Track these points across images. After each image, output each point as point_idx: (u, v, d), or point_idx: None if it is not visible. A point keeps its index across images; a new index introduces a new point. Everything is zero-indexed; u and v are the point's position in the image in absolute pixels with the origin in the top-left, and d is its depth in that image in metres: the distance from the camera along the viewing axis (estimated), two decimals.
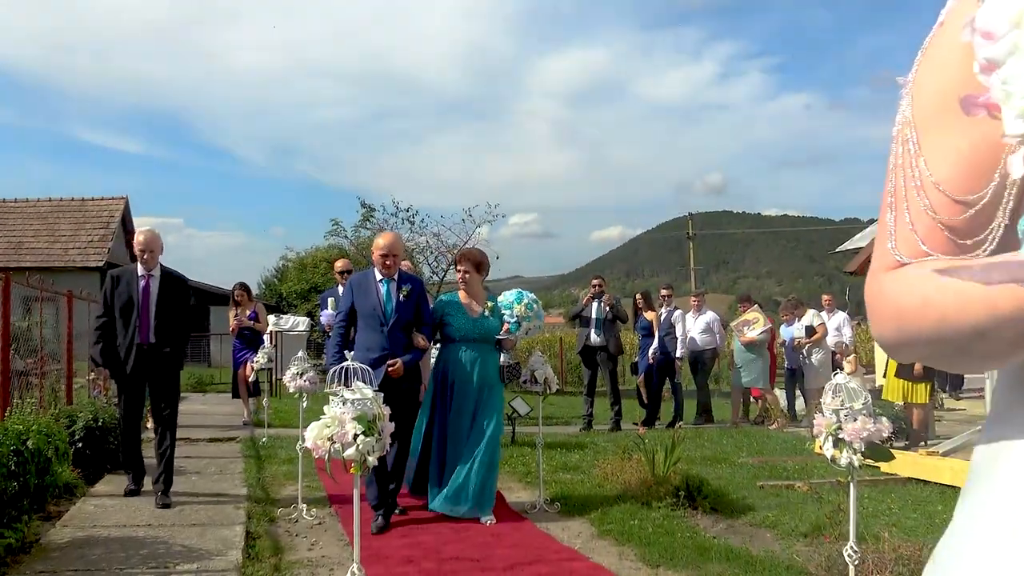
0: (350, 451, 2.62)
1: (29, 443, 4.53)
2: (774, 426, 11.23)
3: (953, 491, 6.62)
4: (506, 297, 6.09)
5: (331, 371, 3.12)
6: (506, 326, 5.91)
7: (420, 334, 5.67)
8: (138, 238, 6.22)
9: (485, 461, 5.72)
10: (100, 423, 6.89)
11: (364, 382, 2.76)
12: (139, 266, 6.16)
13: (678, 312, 11.80)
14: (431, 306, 6.06)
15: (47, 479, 4.73)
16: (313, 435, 2.64)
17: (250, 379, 10.47)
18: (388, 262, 5.63)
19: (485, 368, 5.84)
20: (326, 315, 7.81)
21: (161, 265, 6.23)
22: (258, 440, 9.29)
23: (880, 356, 11.13)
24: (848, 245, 13.05)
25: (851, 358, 11.83)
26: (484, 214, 24.11)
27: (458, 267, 6.00)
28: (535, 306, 6.17)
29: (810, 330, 11.46)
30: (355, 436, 2.60)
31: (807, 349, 11.45)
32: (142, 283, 6.10)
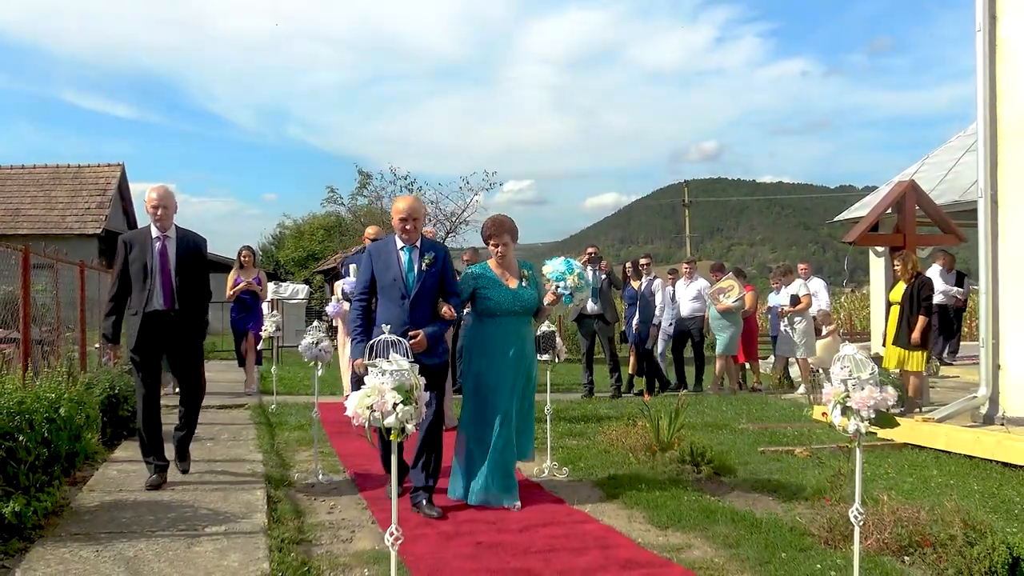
0: (390, 419, 2.77)
1: (61, 411, 4.67)
2: (730, 390, 11.67)
3: (947, 456, 6.84)
4: (555, 267, 5.66)
5: (362, 344, 3.25)
6: (550, 295, 5.63)
7: (447, 303, 5.15)
8: (150, 195, 5.61)
9: (525, 440, 5.57)
10: (116, 391, 7.04)
11: (399, 354, 2.90)
12: (152, 227, 5.64)
13: (658, 281, 12.04)
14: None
15: (77, 446, 4.88)
16: (354, 404, 2.79)
17: (258, 347, 10.62)
18: (408, 227, 5.11)
19: (523, 341, 5.47)
20: (348, 283, 7.40)
21: (176, 226, 5.71)
22: (267, 407, 9.46)
23: (877, 324, 11.33)
24: (846, 215, 13.17)
25: (831, 326, 12.04)
26: (481, 182, 24.22)
27: (492, 240, 5.48)
28: (585, 275, 5.90)
29: (795, 299, 11.66)
30: (394, 405, 2.75)
31: (789, 317, 11.69)
32: (157, 245, 5.59)
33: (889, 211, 9.82)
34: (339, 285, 8.29)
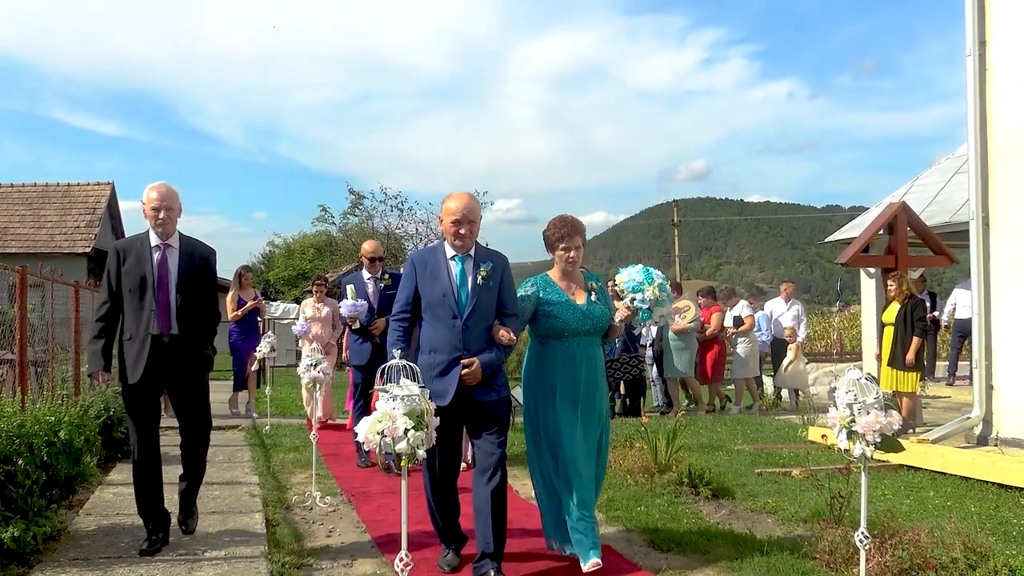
0: (401, 444, 2.77)
1: (61, 434, 4.65)
2: (703, 412, 11.66)
3: (943, 477, 6.87)
4: (630, 276, 4.71)
5: (379, 368, 3.23)
6: (623, 310, 4.67)
7: (503, 326, 4.29)
8: (149, 194, 4.65)
9: (602, 481, 4.74)
10: (112, 412, 7.00)
11: (410, 378, 2.91)
12: (152, 234, 4.68)
13: None
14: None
15: (76, 469, 4.85)
16: (365, 430, 2.79)
17: (253, 368, 10.58)
18: (463, 231, 4.19)
19: (594, 366, 4.54)
20: (347, 306, 7.03)
21: (180, 233, 4.79)
22: (260, 428, 9.42)
23: (868, 344, 11.41)
24: (837, 235, 13.26)
25: (793, 345, 12.08)
26: None
27: (561, 244, 4.51)
28: (667, 286, 4.82)
29: (738, 320, 11.74)
30: (405, 431, 2.76)
31: (732, 339, 11.80)
32: (157, 256, 4.64)
33: (881, 232, 9.90)
34: (339, 309, 7.96)
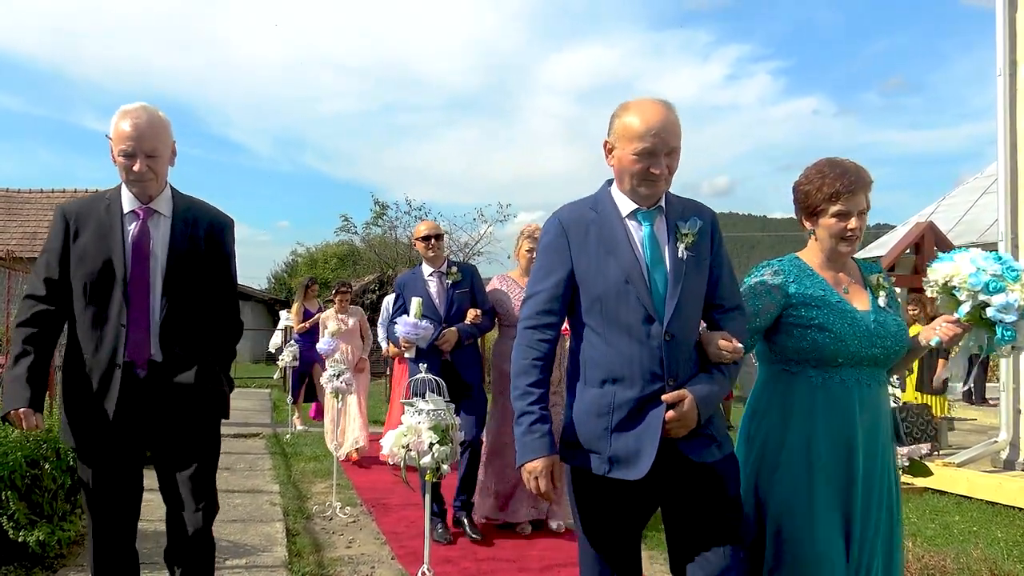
0: (426, 459, 2.78)
1: None
2: None
3: (968, 501, 6.77)
4: (962, 268, 2.60)
5: (543, 428, 2.33)
6: (948, 328, 2.61)
7: (722, 329, 2.51)
8: (120, 126, 2.84)
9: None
10: None
11: (438, 394, 2.92)
12: (124, 192, 2.93)
13: None
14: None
15: None
16: (390, 443, 2.80)
17: (275, 376, 10.64)
18: (656, 169, 2.40)
19: (880, 419, 2.71)
20: (406, 325, 4.91)
21: (174, 191, 3.01)
22: (282, 437, 9.47)
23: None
24: (862, 254, 13.19)
25: None
26: (496, 213, 24.39)
27: (837, 203, 2.62)
28: None
29: None
30: (431, 445, 2.77)
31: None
32: (133, 228, 2.89)
33: (907, 252, 9.82)
34: (380, 322, 7.37)
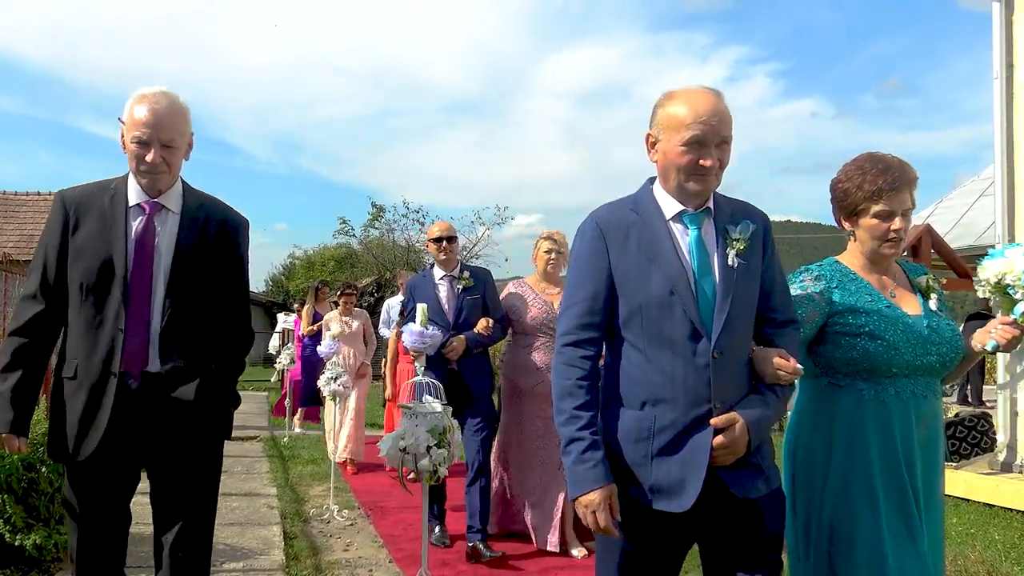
0: (423, 462, 2.78)
1: None
2: None
3: (966, 503, 6.77)
4: (1018, 260, 2.45)
5: (595, 455, 2.04)
6: (1005, 329, 2.43)
7: (777, 345, 2.30)
8: (135, 111, 2.61)
9: None
10: None
11: (434, 397, 2.92)
12: (132, 183, 2.70)
13: None
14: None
15: None
16: (387, 447, 2.80)
17: (272, 379, 10.64)
18: (708, 160, 2.21)
19: (936, 433, 2.53)
20: (412, 335, 4.41)
21: (186, 186, 2.78)
22: (279, 440, 9.46)
23: None
24: None
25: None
26: (493, 216, 24.41)
27: (879, 202, 2.45)
28: None
29: None
30: (428, 448, 2.76)
31: None
32: (138, 224, 2.66)
33: (905, 254, 9.83)
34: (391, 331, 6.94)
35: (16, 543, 4.15)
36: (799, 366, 2.19)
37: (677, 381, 2.11)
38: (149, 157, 2.59)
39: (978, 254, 10.37)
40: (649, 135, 2.24)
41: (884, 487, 2.38)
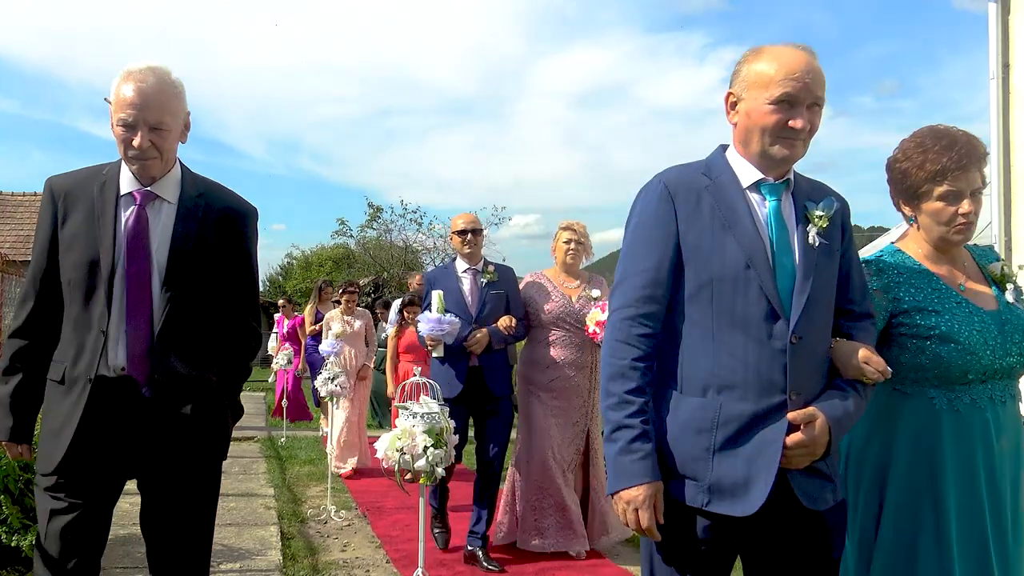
0: (420, 463, 2.78)
1: None
2: None
3: None
4: None
5: (644, 449, 1.84)
6: None
7: (858, 337, 2.08)
8: (122, 90, 2.35)
9: None
10: None
11: (432, 397, 2.92)
12: (124, 170, 2.45)
13: None
14: None
15: None
16: (384, 447, 2.80)
17: (270, 379, 10.62)
18: (799, 120, 1.94)
19: (1019, 433, 2.26)
20: (429, 322, 4.62)
21: (184, 169, 2.52)
22: (276, 440, 9.45)
23: None
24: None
25: None
26: (490, 216, 24.42)
27: (944, 181, 2.19)
28: None
29: None
30: (425, 448, 2.76)
31: None
32: (128, 214, 2.41)
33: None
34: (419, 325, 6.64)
35: (12, 544, 4.15)
36: (887, 368, 1.96)
37: (749, 366, 1.87)
38: (136, 141, 2.33)
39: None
40: (730, 94, 2.01)
41: (958, 509, 2.09)
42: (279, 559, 4.69)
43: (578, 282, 4.98)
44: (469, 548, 4.81)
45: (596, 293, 4.95)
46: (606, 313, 4.37)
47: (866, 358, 1.93)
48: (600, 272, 5.60)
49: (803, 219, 1.98)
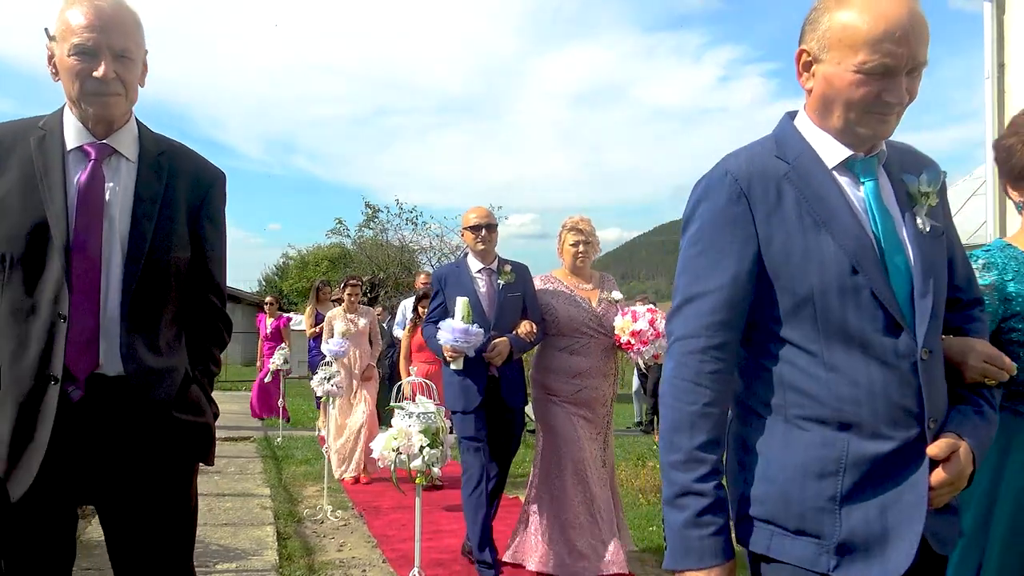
0: (416, 462, 2.78)
1: None
2: None
3: None
4: None
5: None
6: None
7: (978, 344, 1.69)
8: (67, 14, 1.90)
9: None
10: None
11: (426, 397, 2.92)
12: (68, 115, 2.00)
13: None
14: None
15: None
16: (380, 446, 2.80)
17: (266, 380, 10.61)
18: (892, 94, 1.53)
19: None
20: (454, 332, 4.14)
21: (141, 125, 2.07)
22: (272, 440, 9.45)
23: None
24: None
25: None
26: None
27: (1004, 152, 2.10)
28: None
29: None
30: (421, 448, 2.76)
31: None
32: (79, 172, 1.94)
33: None
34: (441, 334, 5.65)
35: None
36: (1010, 362, 1.61)
37: (876, 395, 1.48)
38: (100, 71, 1.89)
39: (969, 252, 10.54)
40: (803, 52, 1.57)
41: None
42: (275, 559, 4.69)
43: (592, 284, 4.57)
44: (468, 546, 4.79)
45: (617, 296, 4.57)
46: (637, 321, 4.25)
47: (987, 356, 1.59)
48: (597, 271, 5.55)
49: (906, 199, 1.59)
